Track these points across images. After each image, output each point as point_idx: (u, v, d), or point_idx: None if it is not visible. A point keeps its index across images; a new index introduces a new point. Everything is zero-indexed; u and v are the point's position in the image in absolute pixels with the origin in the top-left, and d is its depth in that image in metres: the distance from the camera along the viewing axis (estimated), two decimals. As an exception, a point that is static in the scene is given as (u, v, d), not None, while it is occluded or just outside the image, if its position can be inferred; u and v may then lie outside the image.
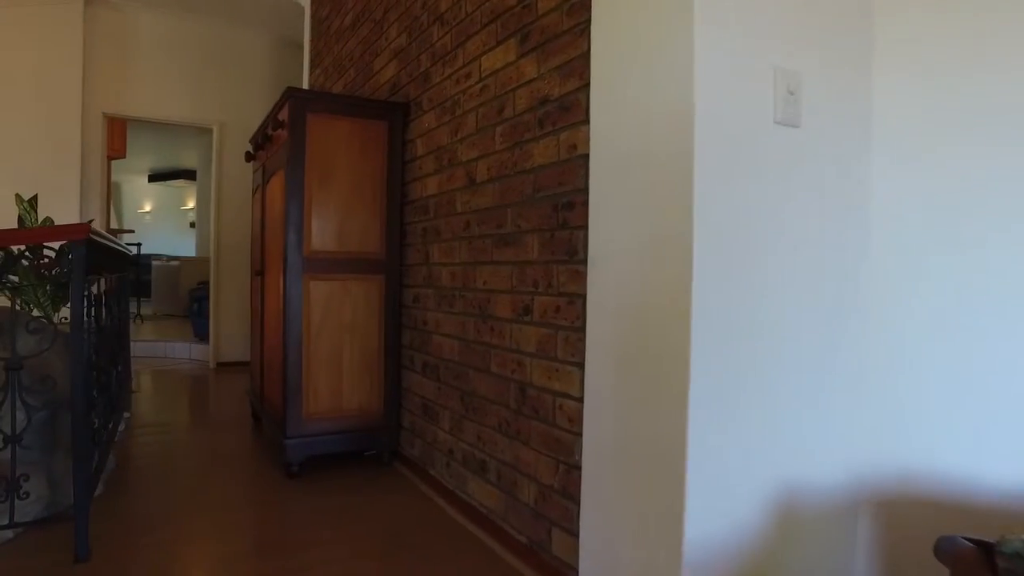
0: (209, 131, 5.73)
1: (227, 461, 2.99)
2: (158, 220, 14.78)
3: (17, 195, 3.24)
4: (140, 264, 10.28)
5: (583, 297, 1.71)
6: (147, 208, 15.00)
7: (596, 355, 1.61)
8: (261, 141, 3.11)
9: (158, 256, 10.66)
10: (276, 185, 2.90)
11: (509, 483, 2.07)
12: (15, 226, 3.19)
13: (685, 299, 1.34)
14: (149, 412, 3.96)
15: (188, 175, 12.54)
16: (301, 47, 5.54)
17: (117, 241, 3.16)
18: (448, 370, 2.47)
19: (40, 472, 2.26)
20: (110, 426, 2.93)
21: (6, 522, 1.92)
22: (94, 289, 2.49)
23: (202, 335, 6.12)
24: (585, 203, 1.71)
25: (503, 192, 2.11)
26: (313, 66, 4.89)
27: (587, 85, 1.71)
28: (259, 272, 3.22)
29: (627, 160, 1.51)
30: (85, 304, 2.39)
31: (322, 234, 2.71)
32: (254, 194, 3.53)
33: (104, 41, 5.23)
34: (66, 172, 5.01)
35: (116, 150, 7.72)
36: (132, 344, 6.30)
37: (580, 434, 1.72)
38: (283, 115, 2.73)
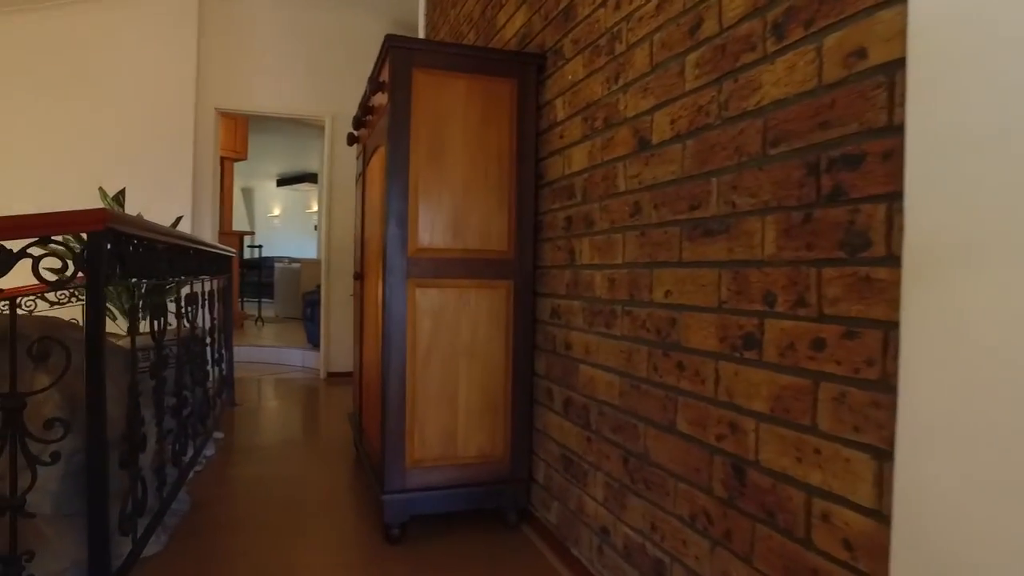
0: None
1: (319, 508, 2.42)
2: (286, 224, 15.20)
3: (101, 189, 2.88)
4: (263, 266, 10.44)
5: (888, 326, 0.92)
6: (276, 212, 15.47)
7: (945, 449, 0.82)
8: (361, 115, 2.53)
9: (280, 258, 10.75)
10: (376, 166, 2.30)
11: (710, 611, 1.31)
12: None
13: None
14: (246, 432, 3.53)
15: (312, 179, 12.68)
16: (412, 27, 5.05)
17: (201, 241, 2.70)
18: (603, 416, 1.74)
19: (74, 530, 1.77)
20: (185, 458, 2.45)
21: (4, 619, 1.40)
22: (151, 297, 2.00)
23: (315, 342, 5.78)
24: (888, 154, 0.93)
25: (701, 153, 1.36)
26: (428, 43, 4.33)
27: (893, -64, 0.92)
28: (359, 275, 2.64)
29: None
30: (141, 315, 1.88)
31: (432, 227, 2.07)
32: (356, 183, 2.98)
33: (217, 34, 4.97)
34: (178, 172, 4.77)
35: (237, 151, 7.66)
36: (247, 349, 6.08)
37: (876, 578, 0.94)
38: (384, 74, 2.12)
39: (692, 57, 1.39)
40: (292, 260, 9.40)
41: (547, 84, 2.16)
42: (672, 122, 1.46)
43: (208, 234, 4.90)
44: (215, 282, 3.41)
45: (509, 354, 2.16)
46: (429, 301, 2.07)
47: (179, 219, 3.08)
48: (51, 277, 1.38)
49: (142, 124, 4.70)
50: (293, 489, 2.62)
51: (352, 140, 2.90)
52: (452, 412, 2.12)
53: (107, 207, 2.83)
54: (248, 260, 10.08)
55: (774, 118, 1.16)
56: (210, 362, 3.24)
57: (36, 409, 1.65)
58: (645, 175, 1.56)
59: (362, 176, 2.70)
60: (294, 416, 4.07)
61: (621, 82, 1.68)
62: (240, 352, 5.99)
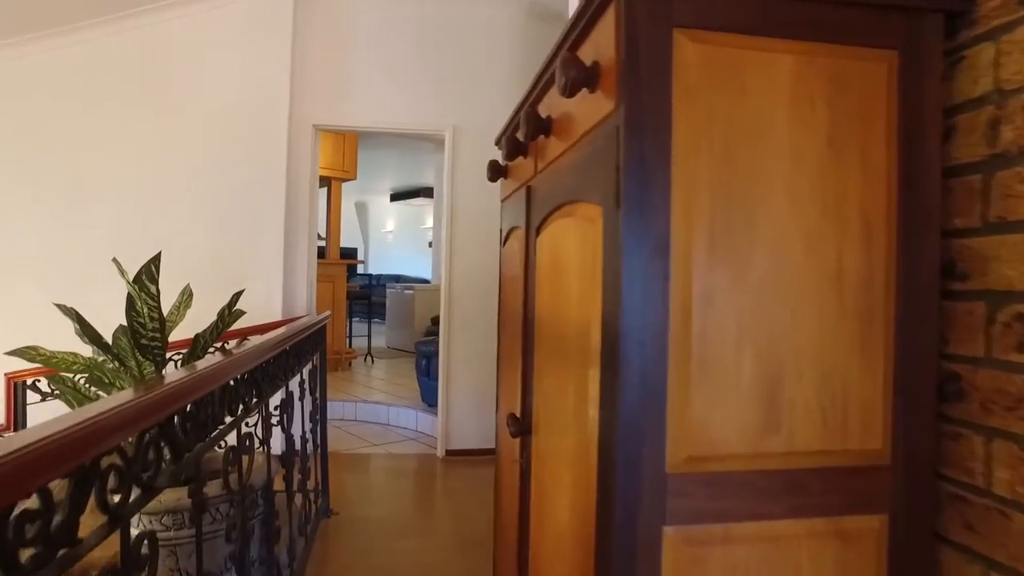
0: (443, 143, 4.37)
1: None
2: (400, 239, 14.87)
3: (115, 260, 1.94)
4: (373, 288, 9.84)
5: None
6: (389, 227, 15.11)
7: None
8: (527, 133, 1.38)
9: (394, 281, 10.09)
10: (565, 242, 1.14)
11: None
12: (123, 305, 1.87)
13: None
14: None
15: (427, 193, 12.08)
16: (555, 16, 3.96)
17: (259, 349, 1.67)
18: None
19: None
20: None
21: None
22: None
23: (430, 401, 4.79)
24: None
25: None
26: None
27: None
28: (520, 429, 1.49)
29: None
30: None
31: (721, 403, 0.88)
32: (503, 243, 1.86)
33: (316, 40, 4.08)
34: (267, 199, 3.95)
35: (346, 170, 6.89)
36: (353, 406, 5.18)
37: None
38: (596, 45, 0.96)
39: None
40: (406, 286, 8.58)
41: (969, 58, 0.93)
42: None
43: (303, 269, 4.02)
44: (303, 371, 2.43)
45: None
46: (709, 572, 0.89)
47: (238, 295, 2.09)
48: None
49: (227, 146, 3.91)
50: None
51: (498, 174, 1.79)
52: None
53: (129, 288, 1.87)
54: (357, 292, 9.36)
55: None
56: (287, 500, 2.23)
57: None
58: None
59: (524, 244, 1.56)
60: (403, 544, 2.97)
61: None
62: (345, 408, 5.11)
